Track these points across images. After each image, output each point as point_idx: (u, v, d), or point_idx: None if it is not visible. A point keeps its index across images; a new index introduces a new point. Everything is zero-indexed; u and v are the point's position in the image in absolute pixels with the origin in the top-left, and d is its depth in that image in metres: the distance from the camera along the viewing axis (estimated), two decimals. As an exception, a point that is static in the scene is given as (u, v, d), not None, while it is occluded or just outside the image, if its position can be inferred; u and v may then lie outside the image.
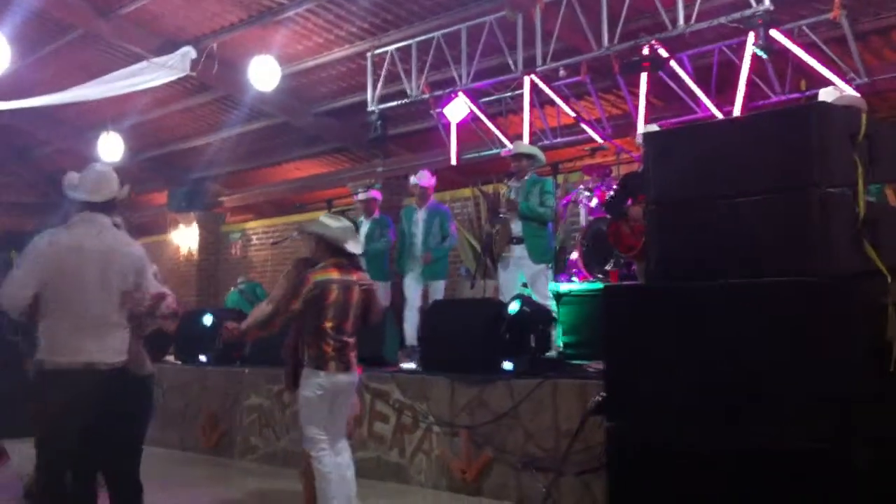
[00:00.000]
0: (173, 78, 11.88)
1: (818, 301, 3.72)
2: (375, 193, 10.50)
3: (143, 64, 11.77)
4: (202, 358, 9.76)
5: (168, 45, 11.82)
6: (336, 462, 5.47)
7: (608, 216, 8.21)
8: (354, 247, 5.61)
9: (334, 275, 5.45)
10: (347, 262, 5.60)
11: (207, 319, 9.85)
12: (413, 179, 9.75)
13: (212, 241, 16.89)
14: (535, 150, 8.47)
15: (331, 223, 5.61)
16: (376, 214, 10.24)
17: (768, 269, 3.92)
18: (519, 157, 8.29)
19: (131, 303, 4.54)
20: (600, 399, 4.94)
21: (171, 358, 10.49)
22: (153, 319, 4.85)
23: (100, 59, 13.06)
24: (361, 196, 10.37)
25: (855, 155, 3.94)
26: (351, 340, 5.53)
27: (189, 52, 11.46)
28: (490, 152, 10.99)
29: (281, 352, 5.91)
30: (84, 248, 4.45)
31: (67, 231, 4.52)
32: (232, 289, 13.37)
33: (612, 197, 8.19)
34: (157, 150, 16.31)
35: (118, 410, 4.51)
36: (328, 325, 5.41)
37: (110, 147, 14.26)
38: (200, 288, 16.54)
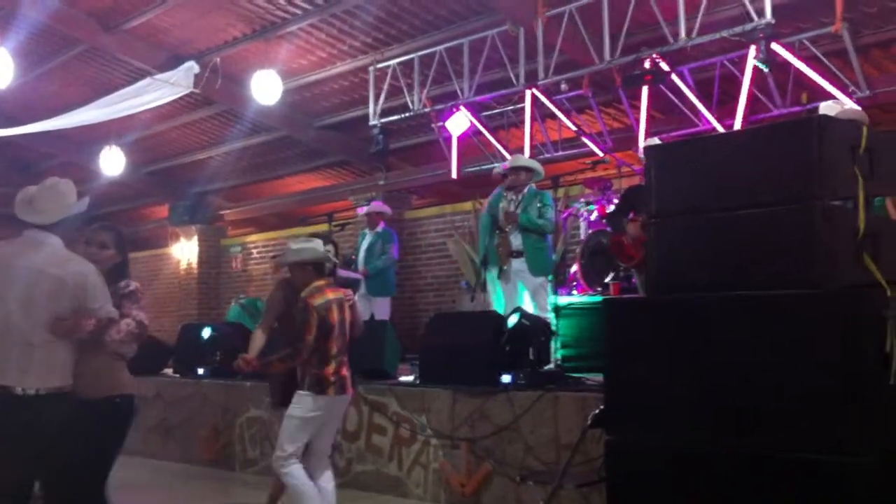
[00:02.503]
0: (178, 95, 11.92)
1: (818, 313, 3.71)
2: (383, 206, 10.47)
3: (147, 80, 11.81)
4: (200, 371, 9.75)
5: (171, 60, 11.87)
6: (308, 475, 5.52)
7: (609, 229, 8.21)
8: (328, 254, 5.73)
9: (330, 295, 5.55)
10: (332, 280, 5.77)
11: (206, 333, 9.88)
12: (522, 161, 8.44)
13: (212, 255, 16.89)
14: (533, 164, 8.45)
15: (304, 246, 5.69)
16: (380, 227, 10.21)
17: (769, 281, 3.90)
18: (517, 170, 8.25)
19: (62, 330, 4.19)
20: (600, 412, 4.93)
21: (169, 371, 10.50)
22: (111, 343, 4.42)
23: (104, 74, 13.13)
24: (367, 209, 10.35)
25: (856, 168, 3.93)
26: (345, 358, 5.61)
27: (192, 66, 11.51)
28: (491, 166, 10.96)
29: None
30: (12, 266, 4.19)
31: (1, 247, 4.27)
32: (233, 303, 13.37)
33: (613, 210, 8.19)
34: (159, 164, 16.35)
35: (52, 436, 4.17)
36: (334, 347, 5.50)
37: (113, 161, 14.28)
38: (201, 301, 16.55)
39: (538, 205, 8.04)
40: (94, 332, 4.27)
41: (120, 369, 4.62)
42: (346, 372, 5.59)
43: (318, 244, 5.69)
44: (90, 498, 4.57)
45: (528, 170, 8.26)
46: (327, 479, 5.63)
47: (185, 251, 17.00)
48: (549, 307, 7.92)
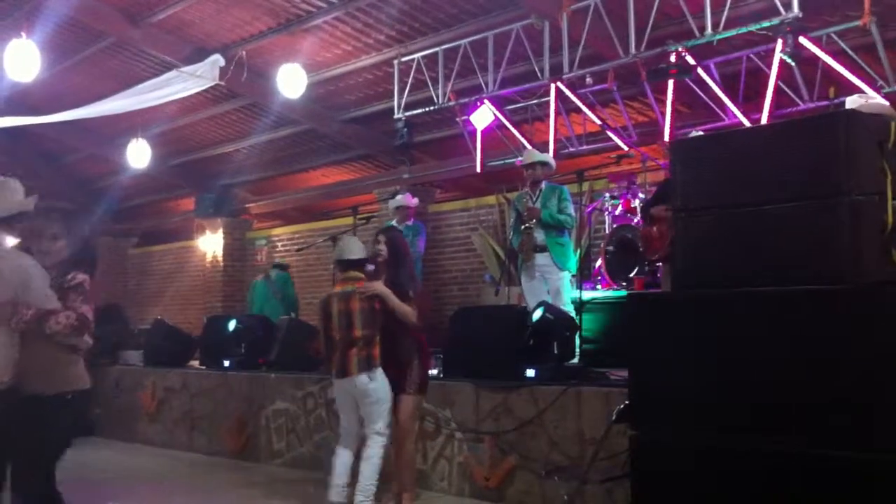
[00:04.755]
0: (203, 87, 11.98)
1: (845, 309, 3.69)
2: (411, 200, 10.48)
3: (173, 73, 11.87)
4: (226, 363, 9.82)
5: (197, 53, 11.93)
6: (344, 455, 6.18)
7: (640, 222, 8.20)
8: (349, 252, 6.27)
9: (336, 289, 6.25)
10: (356, 275, 6.20)
11: (232, 325, 9.95)
12: (534, 156, 8.50)
13: (238, 248, 16.96)
14: (547, 157, 8.56)
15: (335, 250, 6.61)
16: (410, 221, 10.23)
17: (795, 276, 3.89)
18: (534, 165, 8.31)
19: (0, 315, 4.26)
20: (624, 407, 4.93)
21: (195, 363, 10.59)
22: (54, 335, 4.40)
23: (130, 67, 13.20)
24: (404, 202, 10.32)
25: (883, 162, 3.91)
26: (355, 347, 6.02)
27: (218, 60, 11.56)
28: (515, 160, 10.98)
29: None
30: None
31: None
32: (259, 276, 13.21)
33: (647, 202, 8.16)
34: (185, 157, 16.43)
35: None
36: (336, 335, 6.10)
37: (139, 154, 14.37)
38: (226, 294, 16.61)
39: (556, 200, 8.09)
40: (30, 321, 4.28)
41: (72, 363, 4.59)
42: (351, 357, 5.99)
43: (342, 244, 6.41)
44: (32, 487, 4.54)
45: (543, 164, 8.33)
46: (364, 458, 6.05)
47: (210, 244, 17.07)
48: (570, 302, 7.91)
